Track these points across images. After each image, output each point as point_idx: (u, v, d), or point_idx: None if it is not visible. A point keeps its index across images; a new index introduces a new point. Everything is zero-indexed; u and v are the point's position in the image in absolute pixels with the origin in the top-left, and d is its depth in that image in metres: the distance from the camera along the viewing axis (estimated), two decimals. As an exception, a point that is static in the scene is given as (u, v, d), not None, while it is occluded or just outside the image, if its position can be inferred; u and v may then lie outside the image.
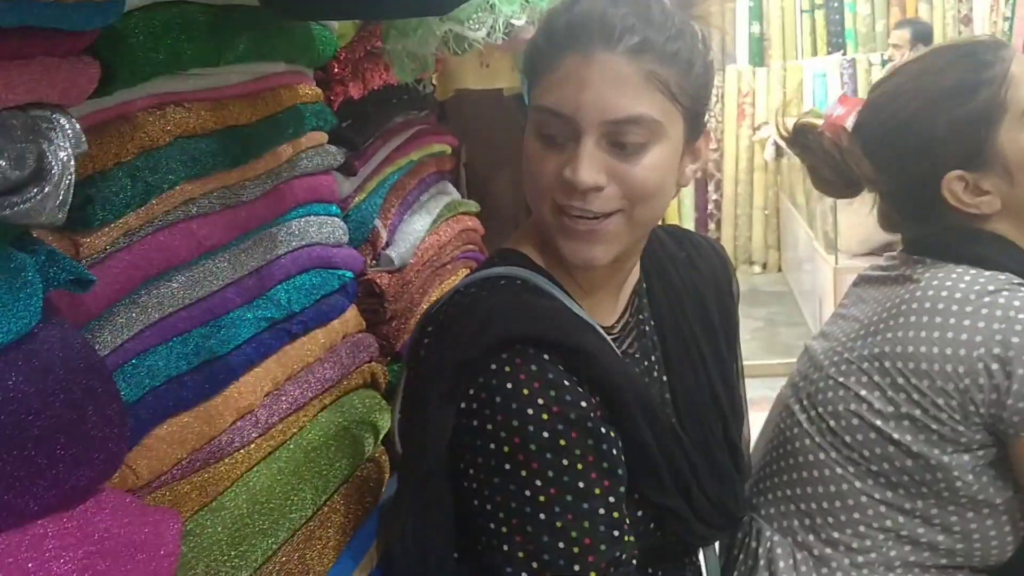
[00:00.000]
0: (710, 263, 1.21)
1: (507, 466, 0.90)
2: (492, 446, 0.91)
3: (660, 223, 1.19)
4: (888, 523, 1.22)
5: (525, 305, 0.98)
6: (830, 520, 1.25)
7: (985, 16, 6.45)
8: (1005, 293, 1.14)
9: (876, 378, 1.20)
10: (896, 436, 1.18)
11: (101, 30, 0.71)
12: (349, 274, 1.21)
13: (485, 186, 2.20)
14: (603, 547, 0.90)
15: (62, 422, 0.62)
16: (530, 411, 0.90)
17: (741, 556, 1.34)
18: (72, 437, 0.63)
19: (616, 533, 0.91)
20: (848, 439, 1.22)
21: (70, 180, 0.61)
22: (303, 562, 0.99)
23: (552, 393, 0.91)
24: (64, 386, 0.64)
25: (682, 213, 6.72)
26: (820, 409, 1.26)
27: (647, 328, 1.12)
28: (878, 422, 1.19)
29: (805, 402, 1.30)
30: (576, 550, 0.89)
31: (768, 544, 1.29)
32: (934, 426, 1.16)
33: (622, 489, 0.93)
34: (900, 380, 1.17)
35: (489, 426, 0.91)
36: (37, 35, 0.64)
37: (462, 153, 2.10)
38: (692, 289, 1.16)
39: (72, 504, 0.64)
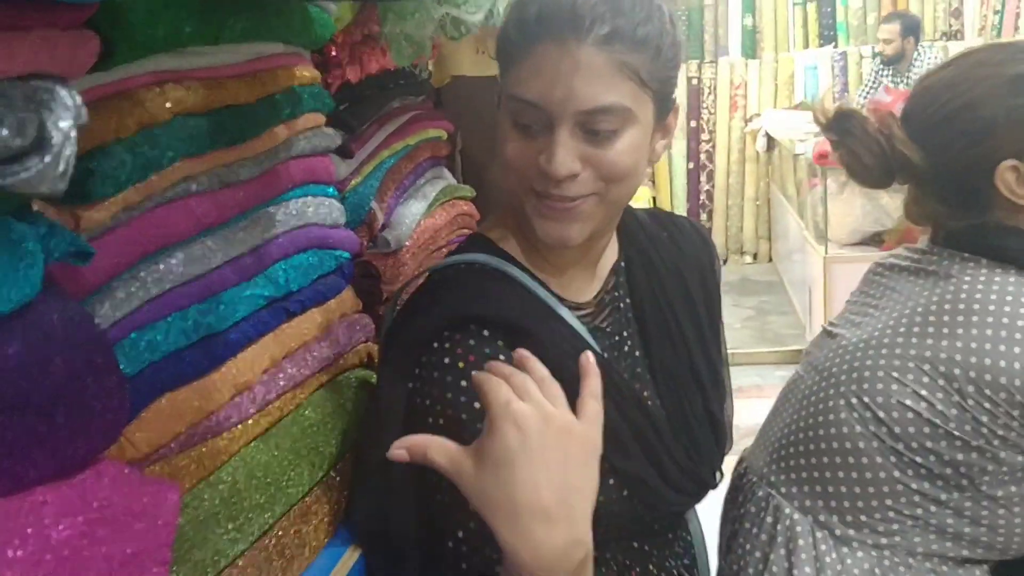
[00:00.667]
0: (692, 244, 1.24)
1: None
2: (430, 420, 0.96)
3: (651, 208, 1.22)
4: (919, 511, 1.24)
5: (473, 287, 1.03)
6: (859, 504, 1.27)
7: (975, 9, 6.48)
8: None
9: (940, 382, 1.21)
10: (957, 433, 1.19)
11: (101, 4, 0.72)
12: (346, 255, 1.21)
13: (480, 172, 2.20)
14: None
15: (62, 392, 0.63)
16: (463, 383, 0.95)
17: (755, 530, 1.35)
18: (72, 407, 0.64)
19: None
20: (898, 430, 1.23)
21: (71, 150, 0.61)
22: (299, 536, 1.00)
23: (470, 358, 0.95)
24: (64, 357, 0.64)
25: (674, 203, 6.75)
26: (867, 399, 1.27)
27: (621, 305, 1.15)
28: (937, 420, 1.20)
29: (843, 388, 1.30)
30: None
31: (788, 521, 1.31)
32: (1000, 431, 1.18)
33: None
34: (970, 388, 1.18)
35: (427, 401, 0.96)
36: (37, 7, 0.64)
37: (457, 140, 2.11)
38: (673, 268, 1.19)
39: (71, 473, 0.65)
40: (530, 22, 0.98)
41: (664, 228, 1.24)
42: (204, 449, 0.89)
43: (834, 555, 1.27)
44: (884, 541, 1.26)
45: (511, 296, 1.03)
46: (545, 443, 0.76)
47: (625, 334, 1.14)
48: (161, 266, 0.85)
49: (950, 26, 6.49)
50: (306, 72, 1.14)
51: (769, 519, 1.34)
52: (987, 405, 1.18)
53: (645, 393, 1.12)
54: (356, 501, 1.08)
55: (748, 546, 1.36)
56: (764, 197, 6.78)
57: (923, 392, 1.22)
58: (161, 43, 0.80)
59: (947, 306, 1.22)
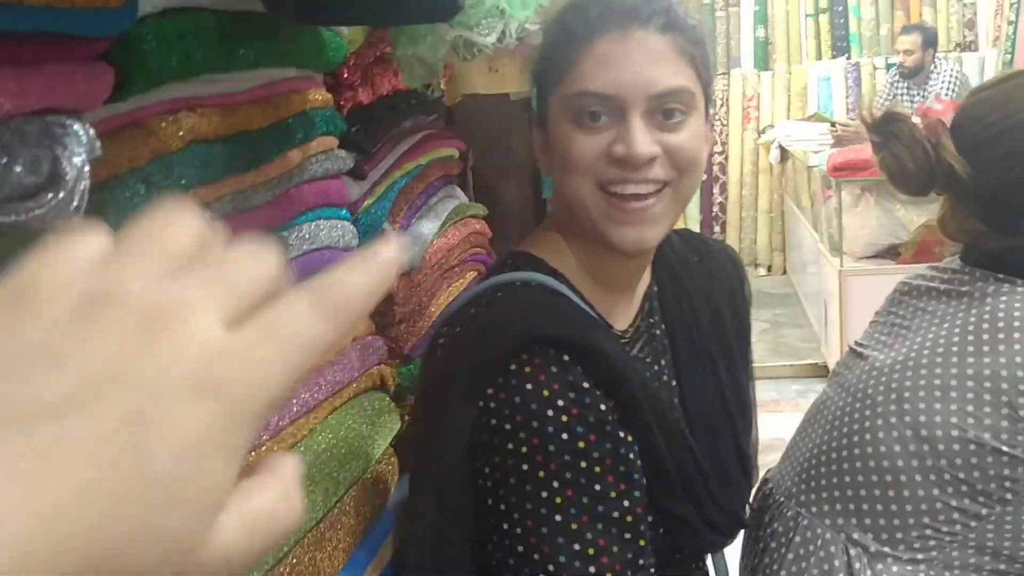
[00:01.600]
0: (722, 267, 1.21)
1: (524, 467, 0.89)
2: (510, 446, 0.90)
3: (680, 229, 1.21)
4: (958, 527, 1.23)
5: (545, 306, 0.98)
6: (895, 522, 1.25)
7: (989, 20, 6.46)
8: None
9: (987, 397, 1.20)
10: (1006, 448, 1.18)
11: (115, 36, 0.72)
12: (359, 278, 1.21)
13: (492, 190, 2.21)
14: (616, 549, 0.89)
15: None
16: (550, 412, 0.90)
17: (783, 550, 1.33)
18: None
19: (629, 536, 0.90)
20: (942, 448, 1.22)
21: (85, 185, 0.61)
22: (313, 564, 0.99)
23: (572, 395, 0.91)
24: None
25: (687, 215, 6.73)
26: (908, 419, 1.25)
27: (657, 332, 1.11)
28: (986, 435, 1.19)
29: (881, 409, 1.29)
30: (591, 552, 0.88)
31: (820, 541, 1.30)
32: None
33: (637, 493, 0.93)
34: (1021, 400, 1.17)
35: (508, 426, 0.90)
36: (52, 41, 0.64)
37: (469, 157, 2.11)
38: (704, 293, 1.16)
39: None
40: (590, 18, 0.98)
41: (695, 251, 1.20)
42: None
43: (869, 572, 1.26)
44: (920, 556, 1.24)
45: (580, 317, 0.99)
46: None
47: (662, 363, 1.10)
48: (175, 295, 0.85)
49: (964, 37, 6.47)
50: (319, 95, 1.14)
51: (798, 539, 1.33)
52: None
53: (683, 426, 1.07)
54: (408, 522, 1.03)
55: (776, 567, 1.34)
56: (778, 209, 6.76)
57: (970, 408, 1.21)
58: (175, 72, 0.80)
59: (985, 325, 1.21)
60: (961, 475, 1.21)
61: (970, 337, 1.23)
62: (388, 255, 0.32)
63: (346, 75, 1.28)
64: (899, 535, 1.25)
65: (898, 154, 1.32)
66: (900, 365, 1.30)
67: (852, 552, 1.27)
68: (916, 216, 4.12)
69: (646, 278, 1.12)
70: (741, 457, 1.13)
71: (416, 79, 1.30)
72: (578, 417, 0.90)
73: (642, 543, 0.91)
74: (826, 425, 1.38)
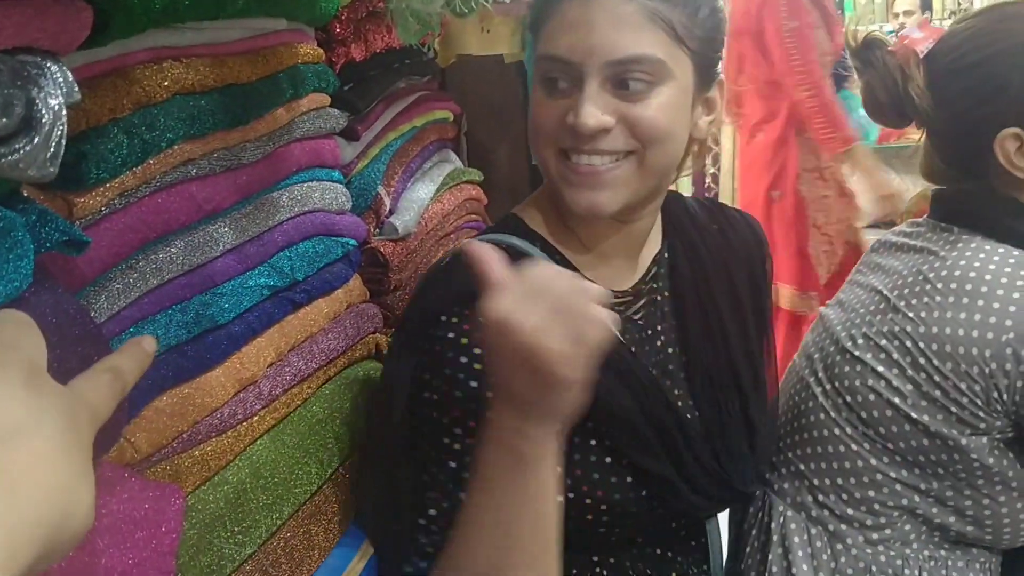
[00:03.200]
0: (743, 238, 1.18)
1: (434, 413, 0.93)
2: (425, 395, 0.94)
3: (705, 198, 1.18)
4: (904, 501, 1.19)
5: None
6: (844, 496, 1.22)
7: (985, -12, 6.39)
8: None
9: (896, 356, 1.15)
10: (914, 415, 1.14)
11: (94, -26, 0.67)
12: (353, 242, 1.17)
13: (486, 156, 2.15)
14: None
15: (57, 392, 0.58)
16: (463, 359, 0.91)
17: (754, 532, 1.30)
18: (67, 408, 0.59)
19: None
20: (864, 415, 1.18)
21: (62, 131, 0.56)
22: (308, 538, 0.95)
23: (476, 335, 0.92)
24: (58, 354, 0.59)
25: (679, 187, 6.68)
26: (836, 383, 1.22)
27: (659, 298, 1.09)
28: (896, 400, 1.15)
29: (821, 375, 1.25)
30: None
31: (781, 519, 1.26)
32: (953, 408, 1.12)
33: None
34: (922, 360, 1.13)
35: (427, 375, 0.94)
36: (25, -25, 0.59)
37: (463, 123, 2.05)
38: (721, 263, 1.13)
39: (67, 479, 0.61)
40: None
41: (715, 220, 1.18)
42: (208, 448, 0.84)
43: (830, 551, 1.22)
44: (876, 536, 1.21)
45: None
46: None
47: (659, 328, 1.08)
48: (160, 255, 0.80)
49: (959, 5, 6.42)
50: (310, 50, 1.09)
51: (765, 518, 1.30)
52: (937, 378, 1.11)
53: (677, 391, 1.06)
54: (364, 484, 1.05)
55: (748, 548, 1.32)
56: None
57: (881, 369, 1.16)
58: (158, 17, 0.75)
59: (927, 284, 1.16)
60: (890, 445, 1.17)
61: (906, 291, 1.18)
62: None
63: (338, 30, 1.23)
64: (850, 511, 1.21)
65: (871, 82, 1.27)
66: (842, 325, 1.25)
67: (812, 531, 1.24)
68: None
69: (654, 242, 1.11)
70: (750, 429, 1.10)
71: (411, 34, 1.24)
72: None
73: None
74: (786, 395, 1.35)
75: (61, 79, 0.58)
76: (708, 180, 6.92)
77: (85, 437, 0.45)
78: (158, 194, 0.80)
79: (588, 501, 0.97)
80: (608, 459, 0.98)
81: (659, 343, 1.07)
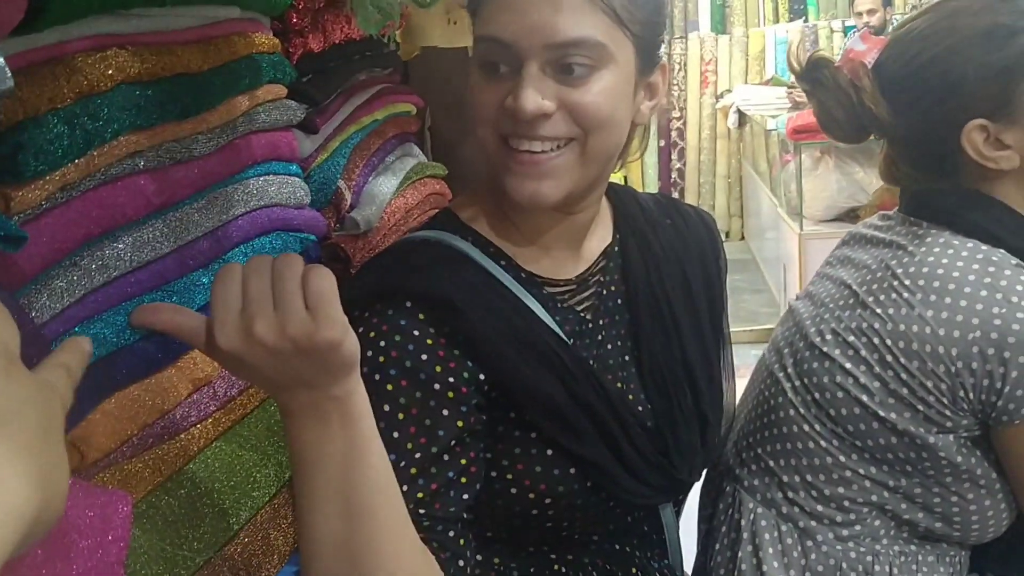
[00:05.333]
0: (697, 234, 1.17)
1: None
2: None
3: (657, 193, 1.17)
4: (873, 497, 1.18)
5: (407, 261, 0.99)
6: (813, 493, 1.21)
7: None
8: (1007, 274, 1.08)
9: (864, 353, 1.14)
10: (881, 413, 1.13)
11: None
12: (312, 237, 1.14)
13: (450, 150, 2.12)
14: None
15: (-6, 396, 0.55)
16: (369, 353, 0.90)
17: (723, 528, 1.29)
18: (6, 413, 0.56)
19: (420, 495, 0.88)
20: (832, 412, 1.17)
21: (-8, 119, 0.53)
22: (267, 543, 0.93)
23: (396, 338, 0.91)
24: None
25: (645, 182, 6.70)
26: (805, 380, 1.21)
27: (605, 291, 1.08)
28: (864, 397, 1.14)
29: (790, 370, 1.24)
30: None
31: (751, 516, 1.25)
32: (920, 407, 1.11)
33: (435, 450, 0.91)
34: (888, 358, 1.12)
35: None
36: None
37: (427, 117, 2.02)
38: (675, 258, 1.12)
39: (6, 487, 0.57)
40: None
41: (667, 214, 1.17)
42: (160, 452, 0.81)
43: (800, 549, 1.21)
44: (846, 532, 1.19)
45: (447, 271, 0.97)
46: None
47: (604, 321, 1.07)
48: (106, 252, 0.77)
49: (920, 0, 6.48)
50: (265, 40, 1.06)
51: (736, 516, 1.28)
52: (904, 376, 1.10)
53: (624, 385, 1.05)
54: None
55: (718, 545, 1.30)
56: (736, 175, 6.73)
57: (848, 366, 1.15)
58: (99, 2, 0.72)
59: (894, 280, 1.14)
60: (858, 442, 1.16)
61: (874, 286, 1.17)
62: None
63: (295, 20, 1.20)
64: (820, 507, 1.20)
65: (824, 101, 1.26)
66: (811, 320, 1.24)
67: (783, 528, 1.23)
68: (876, 179, 4.10)
69: (603, 234, 1.10)
70: (703, 423, 1.09)
71: (371, 24, 1.22)
72: (395, 360, 0.90)
73: (420, 496, 0.89)
74: (755, 390, 1.33)
75: (-9, 64, 0.55)
76: (674, 175, 6.94)
77: (59, 424, 0.46)
78: (103, 188, 0.76)
79: (532, 496, 0.96)
80: (549, 451, 0.97)
81: (602, 336, 1.06)
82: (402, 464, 0.88)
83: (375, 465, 0.79)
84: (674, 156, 6.88)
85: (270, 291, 0.72)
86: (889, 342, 1.11)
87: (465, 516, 0.92)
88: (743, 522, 1.25)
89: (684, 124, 6.83)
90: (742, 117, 5.91)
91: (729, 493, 1.30)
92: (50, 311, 0.70)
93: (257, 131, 1.04)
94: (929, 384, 1.09)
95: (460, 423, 0.92)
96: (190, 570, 0.80)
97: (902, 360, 1.10)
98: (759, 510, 1.25)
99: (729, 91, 6.41)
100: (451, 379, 0.92)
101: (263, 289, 0.73)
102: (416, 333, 0.92)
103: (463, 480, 0.92)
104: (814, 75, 1.25)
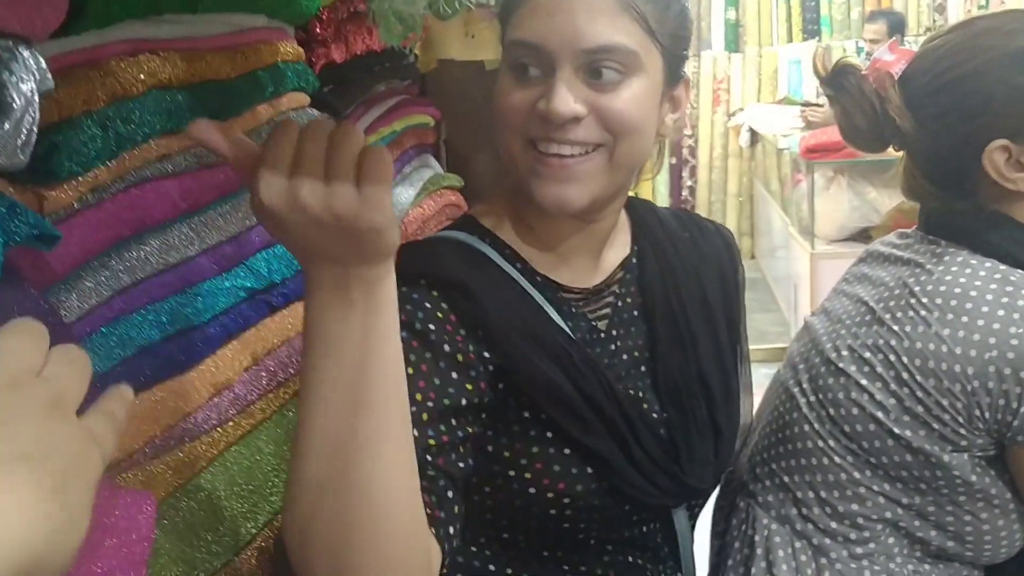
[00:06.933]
0: (715, 249, 1.17)
1: None
2: None
3: (675, 208, 1.17)
4: (887, 515, 1.17)
5: (427, 250, 0.99)
6: (828, 510, 1.20)
7: (960, 5, 6.46)
8: None
9: (879, 370, 1.14)
10: (896, 430, 1.12)
11: (69, -40, 0.65)
12: (331, 244, 1.14)
13: (465, 163, 2.13)
14: None
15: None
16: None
17: (736, 544, 1.29)
18: (34, 410, 0.57)
19: (430, 442, 0.86)
20: (847, 428, 1.17)
21: (33, 118, 0.54)
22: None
23: (408, 307, 0.89)
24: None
25: (656, 200, 6.69)
26: (820, 395, 1.20)
27: (621, 303, 1.08)
28: (879, 414, 1.14)
29: (805, 386, 1.24)
30: None
31: (765, 532, 1.24)
32: (936, 425, 1.10)
33: (454, 419, 0.89)
34: (904, 375, 1.11)
35: None
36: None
37: (442, 129, 2.04)
38: (693, 273, 1.12)
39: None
40: None
41: (686, 228, 1.17)
42: (181, 454, 0.82)
43: (814, 566, 1.21)
44: (860, 550, 1.19)
45: (464, 262, 0.97)
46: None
47: (618, 332, 1.06)
48: (134, 253, 0.78)
49: (934, 21, 6.47)
50: (290, 48, 1.07)
51: (750, 531, 1.27)
52: (920, 394, 1.10)
53: (634, 393, 1.05)
54: None
55: (731, 561, 1.29)
56: (747, 193, 6.73)
57: (864, 382, 1.15)
58: (136, 7, 0.73)
59: (911, 298, 1.14)
60: (872, 459, 1.15)
61: (891, 303, 1.17)
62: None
63: (319, 30, 1.21)
64: (834, 524, 1.20)
65: (848, 109, 1.24)
66: (827, 335, 1.24)
67: (797, 545, 1.22)
68: (888, 199, 4.11)
69: (621, 245, 1.10)
70: (717, 436, 1.09)
71: (393, 36, 1.23)
72: (406, 324, 0.87)
73: (430, 443, 0.86)
74: (770, 406, 1.33)
75: (33, 65, 0.56)
76: (685, 193, 6.95)
77: (92, 476, 0.45)
78: (133, 190, 0.77)
79: (550, 495, 0.96)
80: (567, 450, 0.96)
81: (616, 346, 1.06)
82: (412, 410, 0.84)
83: (391, 358, 0.74)
84: (685, 174, 6.88)
85: (323, 158, 0.67)
86: (905, 360, 1.11)
87: (462, 486, 0.90)
88: (757, 538, 1.25)
89: (696, 142, 6.83)
90: (754, 136, 5.92)
91: (743, 509, 1.30)
92: (78, 311, 0.71)
93: (281, 138, 1.05)
94: (945, 402, 1.09)
95: (470, 386, 0.92)
96: (208, 572, 0.81)
97: (918, 378, 1.10)
98: (773, 526, 1.24)
99: (741, 110, 6.42)
100: (460, 347, 0.92)
101: (316, 155, 0.67)
102: (428, 306, 0.92)
103: (467, 448, 0.91)
104: (839, 81, 1.25)
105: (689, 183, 6.88)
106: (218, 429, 0.88)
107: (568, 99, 0.90)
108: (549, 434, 0.96)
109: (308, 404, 0.73)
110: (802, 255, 4.30)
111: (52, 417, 0.43)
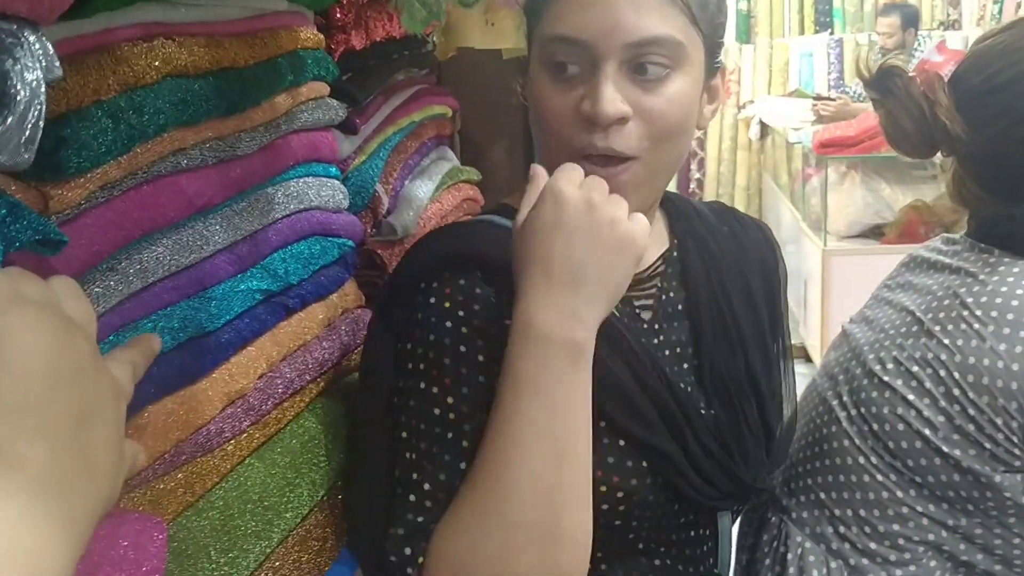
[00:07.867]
0: (756, 243, 1.12)
1: (421, 384, 0.88)
2: (410, 365, 0.90)
3: (712, 201, 1.14)
4: (930, 536, 1.12)
5: (475, 233, 0.97)
6: (867, 529, 1.15)
7: (974, -1, 6.38)
8: None
9: (928, 385, 1.08)
10: (945, 449, 1.07)
11: (79, -64, 0.59)
12: (350, 243, 1.09)
13: (481, 155, 2.08)
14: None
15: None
16: (448, 324, 0.89)
17: (767, 561, 1.23)
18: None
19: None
20: (891, 445, 1.11)
21: (39, 111, 0.48)
22: (298, 566, 0.87)
23: (463, 300, 0.89)
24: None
25: (664, 192, 6.62)
26: (863, 409, 1.15)
27: (664, 297, 1.03)
28: (926, 431, 1.08)
29: (846, 398, 1.18)
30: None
31: (799, 551, 1.19)
32: (987, 444, 1.05)
33: None
34: (956, 391, 1.06)
35: (409, 344, 0.90)
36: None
37: (457, 120, 1.98)
38: (734, 264, 1.07)
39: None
40: None
41: (724, 222, 1.12)
42: (192, 470, 0.76)
43: None
44: (899, 572, 1.13)
45: (500, 239, 0.92)
46: (579, 224, 0.79)
47: (661, 326, 1.02)
48: (145, 256, 0.72)
49: (948, 15, 6.39)
50: (311, 35, 1.01)
51: (781, 548, 1.22)
52: (971, 411, 1.05)
53: (682, 387, 1.00)
54: (350, 492, 0.97)
55: None
56: (756, 186, 6.66)
57: (911, 397, 1.10)
58: (149, -13, 0.67)
59: (964, 310, 1.09)
60: (918, 478, 1.10)
61: (941, 314, 1.11)
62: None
63: (339, 15, 1.15)
64: (873, 545, 1.14)
65: (894, 113, 1.19)
66: (869, 346, 1.18)
67: (832, 565, 1.16)
68: (902, 196, 4.05)
69: (658, 238, 1.06)
70: (768, 435, 1.05)
71: (416, 22, 1.17)
72: (468, 322, 0.89)
73: None
74: (805, 417, 1.27)
75: (40, 51, 0.50)
76: (693, 185, 6.88)
77: (123, 419, 0.48)
78: (145, 187, 0.71)
79: (604, 488, 0.91)
80: (622, 442, 0.92)
81: (660, 339, 1.02)
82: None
83: (588, 409, 0.82)
84: (693, 166, 6.81)
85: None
86: (957, 375, 1.06)
87: None
88: (789, 556, 1.20)
89: (704, 134, 6.75)
90: (764, 129, 5.85)
91: (775, 524, 1.24)
92: (85, 318, 0.66)
93: (299, 130, 0.99)
94: (999, 421, 1.04)
95: None
96: (221, 597, 0.75)
97: (970, 394, 1.05)
98: (807, 544, 1.19)
99: (752, 102, 6.35)
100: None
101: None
102: (491, 299, 0.90)
103: None
104: (885, 84, 1.19)
105: (697, 175, 6.81)
106: (231, 442, 0.82)
107: (616, 99, 0.85)
108: (603, 424, 0.91)
109: (514, 449, 0.80)
110: (813, 251, 4.24)
111: (98, 367, 0.44)
